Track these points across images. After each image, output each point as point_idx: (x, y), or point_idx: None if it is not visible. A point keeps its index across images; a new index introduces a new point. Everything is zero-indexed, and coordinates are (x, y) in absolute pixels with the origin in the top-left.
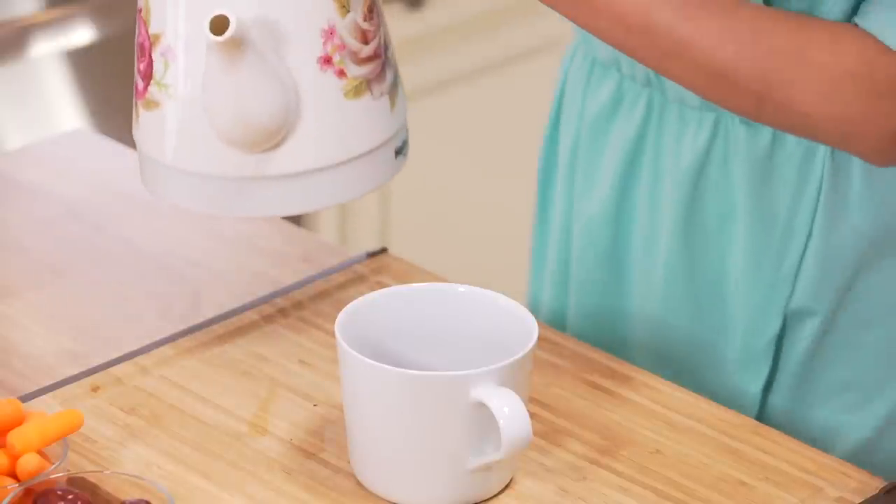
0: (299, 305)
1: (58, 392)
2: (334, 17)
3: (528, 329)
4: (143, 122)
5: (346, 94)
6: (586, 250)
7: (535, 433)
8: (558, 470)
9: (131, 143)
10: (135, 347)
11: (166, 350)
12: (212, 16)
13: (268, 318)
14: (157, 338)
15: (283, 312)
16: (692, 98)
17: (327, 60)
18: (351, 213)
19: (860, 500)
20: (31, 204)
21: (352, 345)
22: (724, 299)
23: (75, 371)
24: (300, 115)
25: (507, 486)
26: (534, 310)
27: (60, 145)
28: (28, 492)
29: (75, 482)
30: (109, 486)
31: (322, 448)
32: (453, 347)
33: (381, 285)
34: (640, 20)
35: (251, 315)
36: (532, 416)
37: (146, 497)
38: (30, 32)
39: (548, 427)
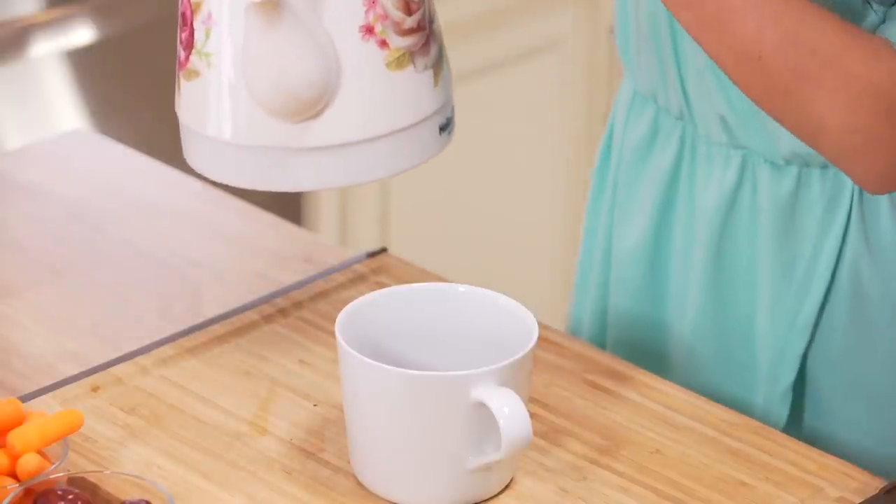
0: (299, 305)
1: (58, 392)
2: None
3: (529, 329)
4: (185, 93)
5: (388, 65)
6: (624, 280)
7: (535, 433)
8: (558, 470)
9: (131, 143)
10: (135, 347)
11: (166, 350)
12: None
13: (268, 318)
14: (158, 338)
15: (283, 312)
16: (718, 133)
17: (369, 30)
18: (351, 213)
19: (861, 500)
20: (31, 204)
21: (352, 345)
22: (752, 341)
23: (75, 371)
24: (341, 84)
25: (507, 486)
26: (576, 332)
27: (60, 145)
28: (28, 492)
29: (75, 482)
30: (110, 486)
31: (322, 448)
32: (453, 347)
33: (381, 285)
34: None
35: (251, 315)
36: (532, 416)
37: (146, 497)
38: (30, 32)
39: (548, 427)
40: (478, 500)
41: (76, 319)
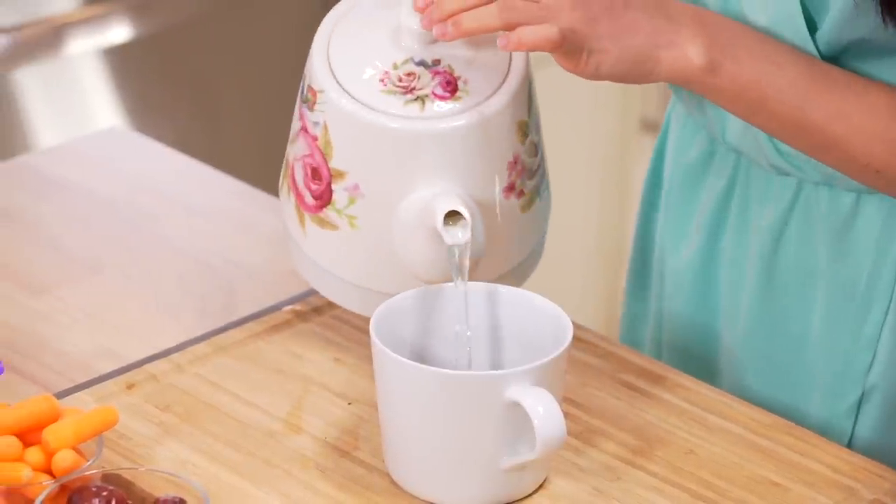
0: (334, 304)
1: (93, 389)
2: (517, 146)
3: (563, 329)
4: (313, 235)
5: (522, 209)
6: (677, 291)
7: (569, 433)
8: (592, 470)
9: (167, 140)
10: (170, 345)
11: (201, 347)
12: (445, 211)
13: (303, 317)
14: (193, 335)
15: (317, 311)
16: (776, 160)
17: (511, 188)
18: None
19: (895, 503)
20: (67, 201)
21: (386, 343)
22: (805, 361)
23: (111, 368)
24: (487, 242)
25: (540, 486)
26: (633, 334)
27: (97, 143)
28: (63, 488)
29: (110, 479)
30: (144, 482)
31: (356, 446)
32: (488, 347)
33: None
34: (793, 117)
35: (286, 313)
36: (566, 415)
37: (181, 494)
38: (66, 31)
39: (582, 427)
40: (511, 500)
41: (112, 317)
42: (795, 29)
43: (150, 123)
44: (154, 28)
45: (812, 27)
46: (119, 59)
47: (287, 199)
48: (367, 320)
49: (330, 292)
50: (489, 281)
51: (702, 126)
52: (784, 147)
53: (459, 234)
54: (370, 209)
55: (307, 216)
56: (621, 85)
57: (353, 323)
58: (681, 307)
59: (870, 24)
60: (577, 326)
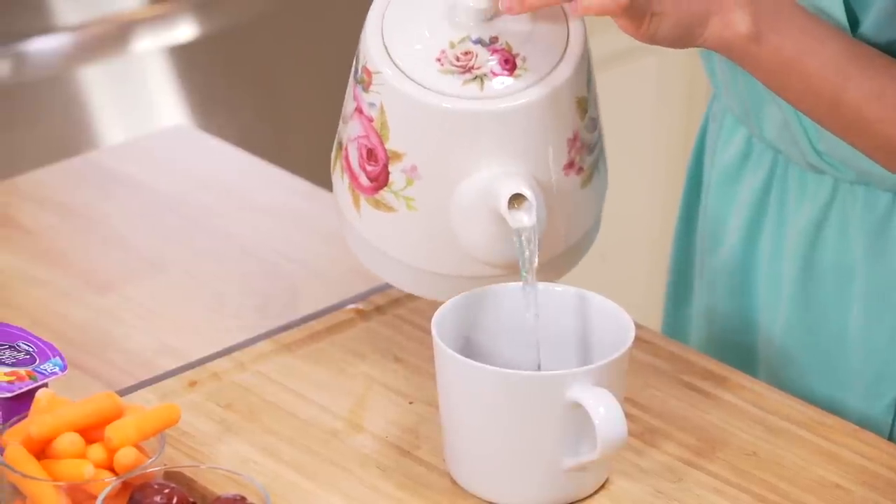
0: (396, 303)
1: (155, 386)
2: (577, 122)
3: (625, 329)
4: (368, 216)
5: (582, 186)
6: (715, 295)
7: (630, 434)
8: (653, 471)
9: (232, 139)
10: (232, 343)
11: (263, 346)
12: (509, 195)
13: (364, 315)
14: (255, 334)
15: (379, 310)
16: (812, 158)
17: (571, 165)
18: None
19: None
20: (131, 198)
21: (448, 343)
22: (843, 359)
23: (173, 366)
24: (547, 219)
25: (601, 487)
26: (675, 330)
27: (162, 141)
28: (125, 485)
29: (172, 476)
30: (205, 480)
31: (417, 446)
32: (549, 347)
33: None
34: (830, 93)
35: (348, 312)
36: (627, 416)
37: (242, 492)
38: (133, 29)
39: (643, 428)
40: (572, 501)
41: (175, 315)
42: (837, 25)
43: (215, 122)
44: (219, 26)
45: (854, 25)
46: (184, 58)
47: (340, 180)
48: (428, 320)
49: (385, 273)
50: (548, 258)
51: (740, 123)
52: (821, 145)
53: (524, 218)
54: (428, 191)
55: (362, 197)
56: (687, 84)
57: (414, 322)
58: (720, 304)
59: None
60: (638, 327)
